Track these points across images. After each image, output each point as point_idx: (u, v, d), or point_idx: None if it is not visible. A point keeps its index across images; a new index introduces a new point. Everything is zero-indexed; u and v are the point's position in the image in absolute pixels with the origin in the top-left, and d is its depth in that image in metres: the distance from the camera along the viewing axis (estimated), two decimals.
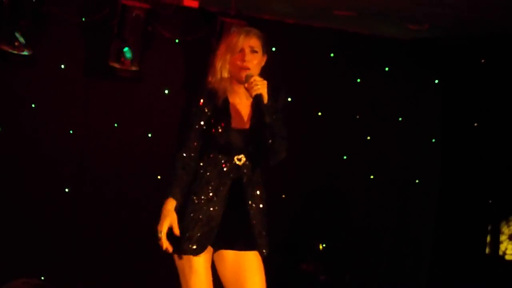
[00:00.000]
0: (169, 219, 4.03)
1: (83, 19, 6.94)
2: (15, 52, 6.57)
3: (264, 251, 4.22)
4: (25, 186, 6.87)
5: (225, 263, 4.24)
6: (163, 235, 4.01)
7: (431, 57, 8.19)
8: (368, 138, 8.17)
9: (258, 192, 4.25)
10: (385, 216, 8.20)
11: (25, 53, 6.61)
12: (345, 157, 8.12)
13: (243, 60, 4.16)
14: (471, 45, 7.94)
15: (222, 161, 4.18)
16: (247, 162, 4.21)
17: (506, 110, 7.74)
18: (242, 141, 4.19)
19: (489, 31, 7.56)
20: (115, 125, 7.21)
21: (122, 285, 7.16)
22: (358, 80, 8.10)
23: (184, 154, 4.15)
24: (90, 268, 7.05)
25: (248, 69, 4.16)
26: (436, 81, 8.32)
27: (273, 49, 7.38)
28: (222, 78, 4.20)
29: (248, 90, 4.12)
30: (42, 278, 6.81)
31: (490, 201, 7.79)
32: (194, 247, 4.12)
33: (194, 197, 4.16)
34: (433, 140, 8.35)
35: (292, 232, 7.76)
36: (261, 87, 4.09)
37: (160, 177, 7.19)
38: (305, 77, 7.81)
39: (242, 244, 4.21)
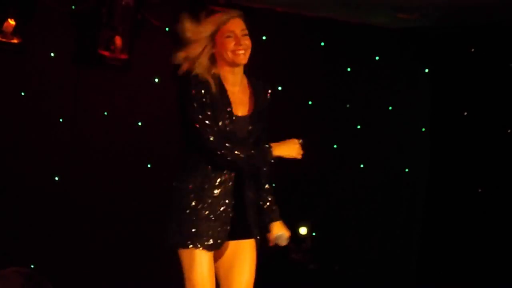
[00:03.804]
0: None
1: (73, 7, 6.91)
2: (5, 40, 6.55)
3: (258, 237, 4.24)
4: (13, 174, 6.85)
5: (221, 253, 4.18)
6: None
7: (421, 46, 8.19)
8: (358, 127, 8.18)
9: (254, 182, 4.23)
10: (374, 204, 8.21)
11: (15, 41, 6.60)
12: (335, 146, 8.12)
13: (239, 44, 3.99)
14: (460, 34, 7.95)
15: None
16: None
17: (495, 99, 7.75)
18: (245, 128, 4.10)
19: (478, 20, 7.56)
20: (105, 113, 7.19)
21: (112, 272, 7.16)
22: (348, 69, 8.09)
23: (222, 142, 4.00)
24: (79, 257, 7.04)
25: (244, 51, 4.01)
26: (426, 70, 8.32)
27: (264, 38, 7.40)
28: (210, 66, 4.02)
29: (275, 243, 4.33)
30: (32, 266, 6.81)
31: (479, 190, 7.81)
32: (210, 242, 4.04)
33: (202, 192, 4.05)
34: (423, 129, 8.35)
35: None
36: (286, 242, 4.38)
37: (150, 165, 7.18)
38: (295, 66, 7.80)
39: (239, 233, 4.17)
